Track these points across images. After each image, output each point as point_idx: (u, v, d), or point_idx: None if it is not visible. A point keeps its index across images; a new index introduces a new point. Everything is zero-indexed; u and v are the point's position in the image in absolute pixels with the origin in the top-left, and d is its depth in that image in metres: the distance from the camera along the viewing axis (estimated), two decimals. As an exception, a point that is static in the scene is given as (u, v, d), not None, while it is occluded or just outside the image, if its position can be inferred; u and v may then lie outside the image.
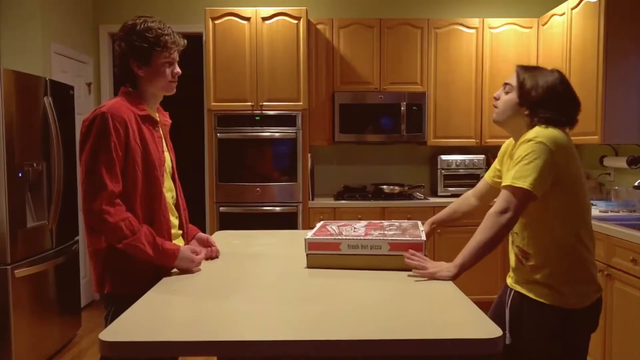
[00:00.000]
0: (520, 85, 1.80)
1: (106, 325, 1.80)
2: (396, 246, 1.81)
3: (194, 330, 1.30)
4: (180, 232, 2.03)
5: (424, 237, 1.85)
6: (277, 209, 4.16)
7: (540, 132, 1.70)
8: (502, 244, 1.74)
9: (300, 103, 4.14)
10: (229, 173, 4.16)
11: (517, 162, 1.69)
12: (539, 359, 1.74)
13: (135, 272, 1.79)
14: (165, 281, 1.74)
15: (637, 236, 2.58)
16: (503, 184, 1.73)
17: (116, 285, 1.80)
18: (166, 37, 1.84)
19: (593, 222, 2.95)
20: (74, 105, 3.86)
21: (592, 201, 3.65)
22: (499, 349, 1.23)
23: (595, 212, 3.36)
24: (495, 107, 1.87)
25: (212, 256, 2.03)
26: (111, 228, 1.70)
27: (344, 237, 1.87)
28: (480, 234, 1.69)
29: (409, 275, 1.75)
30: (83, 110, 4.27)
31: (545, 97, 1.76)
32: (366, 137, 4.41)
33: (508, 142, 1.99)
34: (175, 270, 1.84)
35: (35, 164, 3.26)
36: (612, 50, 3.36)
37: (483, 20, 4.44)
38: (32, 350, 3.18)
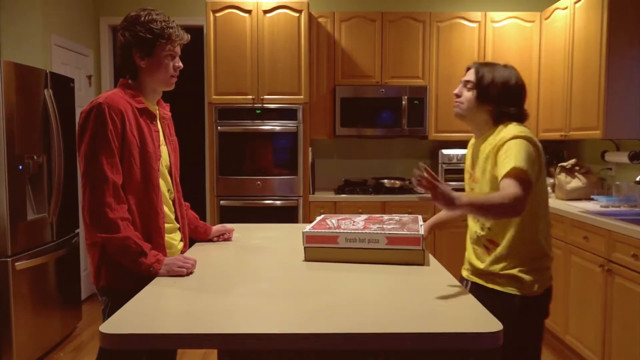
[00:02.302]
0: (479, 81, 1.87)
1: (104, 319, 1.80)
2: (394, 240, 1.81)
3: (194, 322, 1.30)
4: (178, 225, 2.02)
5: (422, 232, 1.84)
6: (278, 202, 4.15)
7: (518, 130, 1.78)
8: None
9: (301, 96, 4.13)
10: (230, 166, 4.15)
11: (507, 156, 1.72)
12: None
13: None
14: (165, 274, 1.73)
15: (638, 231, 2.58)
16: (505, 170, 1.69)
17: (112, 278, 1.79)
18: (171, 30, 1.84)
19: (594, 217, 2.97)
20: (74, 98, 3.85)
21: (593, 196, 3.65)
22: (499, 343, 1.22)
23: (596, 207, 3.36)
24: (460, 102, 1.92)
25: (226, 238, 2.29)
26: (107, 223, 1.69)
27: (342, 231, 1.86)
28: (498, 200, 1.63)
29: (419, 198, 1.63)
30: (83, 103, 4.25)
31: (502, 92, 1.85)
32: (367, 131, 4.40)
33: (471, 144, 2.02)
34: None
35: (35, 157, 3.25)
36: (615, 45, 3.35)
37: (485, 14, 4.42)
38: (32, 342, 3.19)
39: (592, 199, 3.68)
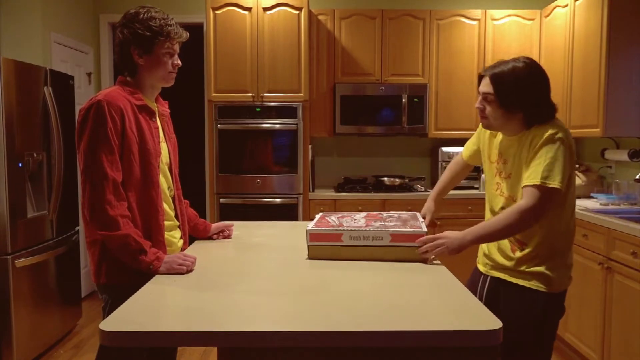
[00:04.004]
0: (498, 92, 1.76)
1: (104, 316, 1.80)
2: (398, 237, 1.81)
3: (194, 320, 1.30)
4: (178, 223, 2.02)
5: (424, 229, 1.85)
6: (278, 200, 4.15)
7: (559, 128, 1.73)
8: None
9: (301, 94, 4.13)
10: (230, 164, 4.15)
11: (542, 160, 1.70)
12: (519, 344, 1.77)
13: None
14: (165, 272, 1.74)
15: (638, 229, 2.58)
16: (529, 182, 1.70)
17: (112, 276, 1.79)
18: (169, 28, 1.84)
19: (594, 215, 2.97)
20: (74, 95, 3.85)
21: (593, 194, 3.66)
22: (499, 340, 1.23)
23: (596, 205, 3.36)
24: (485, 117, 1.83)
25: (226, 235, 2.27)
26: (107, 220, 1.69)
27: (346, 229, 1.86)
28: (502, 223, 1.71)
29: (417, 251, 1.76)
30: (83, 101, 4.23)
31: (525, 95, 1.74)
32: (367, 128, 4.40)
33: (492, 134, 1.98)
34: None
35: (35, 154, 3.25)
36: (615, 43, 3.35)
37: (485, 11, 4.41)
38: (32, 339, 3.19)
39: (591, 197, 3.69)
